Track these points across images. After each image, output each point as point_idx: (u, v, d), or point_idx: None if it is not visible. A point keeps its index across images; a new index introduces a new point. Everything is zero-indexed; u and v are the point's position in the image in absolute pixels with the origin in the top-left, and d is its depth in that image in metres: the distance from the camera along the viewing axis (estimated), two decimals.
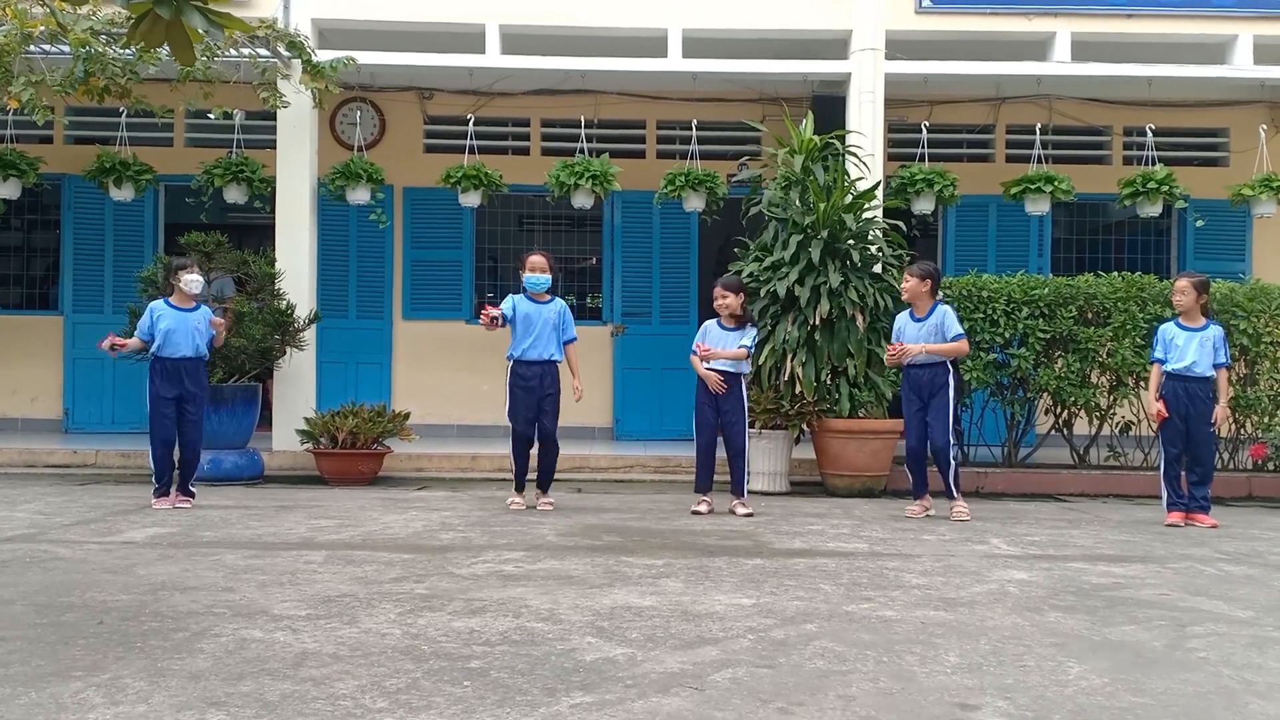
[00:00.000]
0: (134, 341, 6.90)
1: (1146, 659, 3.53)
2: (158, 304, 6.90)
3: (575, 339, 7.09)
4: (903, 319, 7.05)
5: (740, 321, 6.95)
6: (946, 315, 6.92)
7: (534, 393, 6.85)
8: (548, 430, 6.91)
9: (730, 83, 10.07)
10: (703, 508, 6.82)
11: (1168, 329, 6.84)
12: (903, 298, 7.05)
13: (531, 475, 7.07)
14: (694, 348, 6.99)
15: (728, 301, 6.91)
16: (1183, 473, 6.77)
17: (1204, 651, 3.64)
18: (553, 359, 6.91)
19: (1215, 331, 6.77)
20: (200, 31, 2.59)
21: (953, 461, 6.88)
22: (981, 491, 8.13)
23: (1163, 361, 6.83)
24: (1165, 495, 6.78)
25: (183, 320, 6.82)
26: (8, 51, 7.49)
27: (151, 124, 9.34)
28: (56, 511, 6.49)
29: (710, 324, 7.01)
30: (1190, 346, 6.67)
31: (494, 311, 6.82)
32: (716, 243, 10.93)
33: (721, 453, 6.98)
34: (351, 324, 10.66)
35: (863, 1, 9.04)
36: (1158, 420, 6.84)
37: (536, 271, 6.92)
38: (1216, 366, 6.75)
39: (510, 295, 7.07)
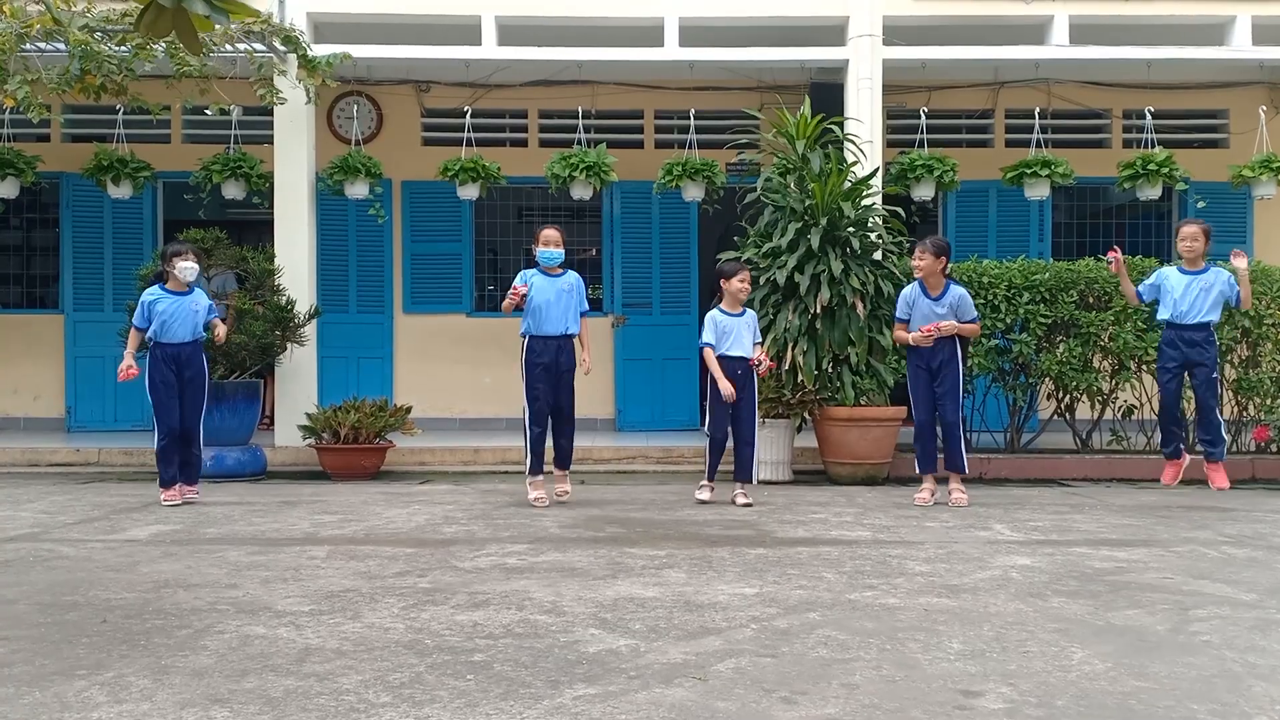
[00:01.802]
0: (133, 343, 6.81)
1: (1150, 643, 3.54)
2: (151, 290, 6.84)
3: (587, 310, 6.97)
4: (914, 293, 6.91)
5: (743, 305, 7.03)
6: (964, 299, 6.88)
7: (551, 369, 6.71)
8: (565, 410, 6.81)
9: (728, 71, 10.04)
10: (705, 494, 6.85)
11: (1167, 272, 6.78)
12: (915, 275, 6.92)
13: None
14: (707, 341, 6.85)
15: (748, 286, 7.00)
16: (1188, 423, 6.70)
17: (1207, 635, 3.64)
18: (569, 333, 6.78)
19: (1217, 274, 6.65)
20: (205, 18, 2.58)
21: (963, 437, 6.91)
22: (984, 477, 8.13)
23: (1140, 295, 6.82)
24: (1162, 442, 6.70)
25: (179, 304, 6.78)
26: (3, 50, 7.47)
27: (148, 121, 9.31)
28: (60, 510, 6.50)
29: (715, 314, 6.93)
30: (1190, 293, 6.59)
31: (522, 290, 6.66)
32: (716, 232, 10.92)
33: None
34: (352, 319, 10.66)
35: None
36: (1113, 263, 6.85)
37: (550, 245, 6.80)
38: (1235, 305, 6.71)
39: (522, 271, 6.95)
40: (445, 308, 10.78)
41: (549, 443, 6.88)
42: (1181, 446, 6.71)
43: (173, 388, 6.76)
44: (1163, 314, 6.73)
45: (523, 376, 6.78)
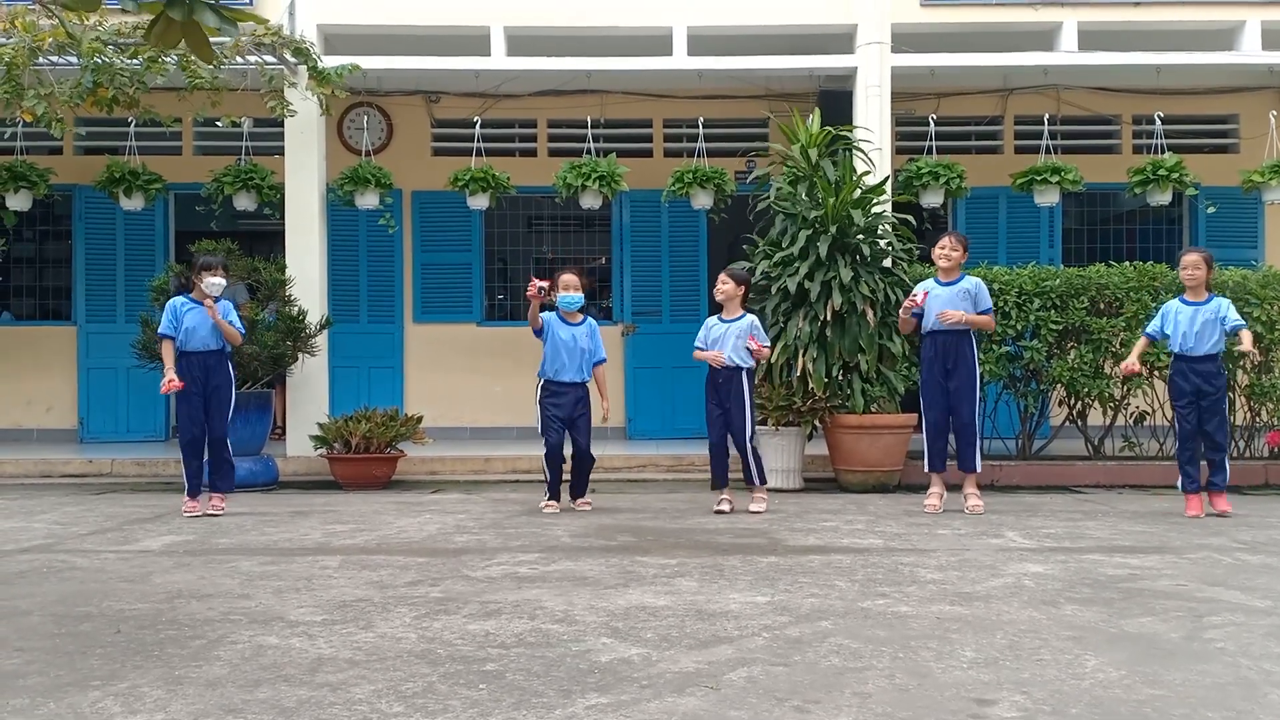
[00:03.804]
0: (169, 356, 6.77)
1: (1164, 651, 3.52)
2: (178, 299, 6.91)
3: (604, 360, 7.16)
4: (929, 283, 7.03)
5: (739, 310, 7.03)
6: (981, 287, 6.96)
7: (565, 412, 6.91)
8: (582, 446, 6.97)
9: (736, 79, 10.05)
10: (725, 506, 6.83)
11: (1171, 305, 6.75)
12: (940, 263, 6.97)
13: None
14: (695, 345, 7.06)
15: (726, 289, 6.99)
16: (1199, 457, 6.70)
17: (1222, 642, 3.62)
18: (584, 381, 7.00)
19: (1219, 303, 6.64)
20: (215, 28, 2.60)
21: (978, 436, 6.92)
22: (996, 484, 8.11)
23: (1153, 337, 6.83)
24: (1180, 480, 6.72)
25: (203, 313, 6.81)
26: (16, 64, 7.52)
27: (160, 133, 9.37)
28: (73, 521, 6.53)
29: (710, 319, 7.09)
30: (1195, 324, 6.57)
31: (541, 283, 6.72)
32: (726, 240, 10.93)
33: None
34: (363, 329, 10.69)
35: None
36: (1125, 372, 6.91)
37: (570, 290, 6.95)
38: (1236, 330, 6.62)
39: (543, 315, 7.06)
40: (455, 317, 10.81)
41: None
42: (1200, 484, 6.69)
43: (196, 396, 6.79)
44: (1172, 346, 6.73)
45: (538, 418, 6.97)
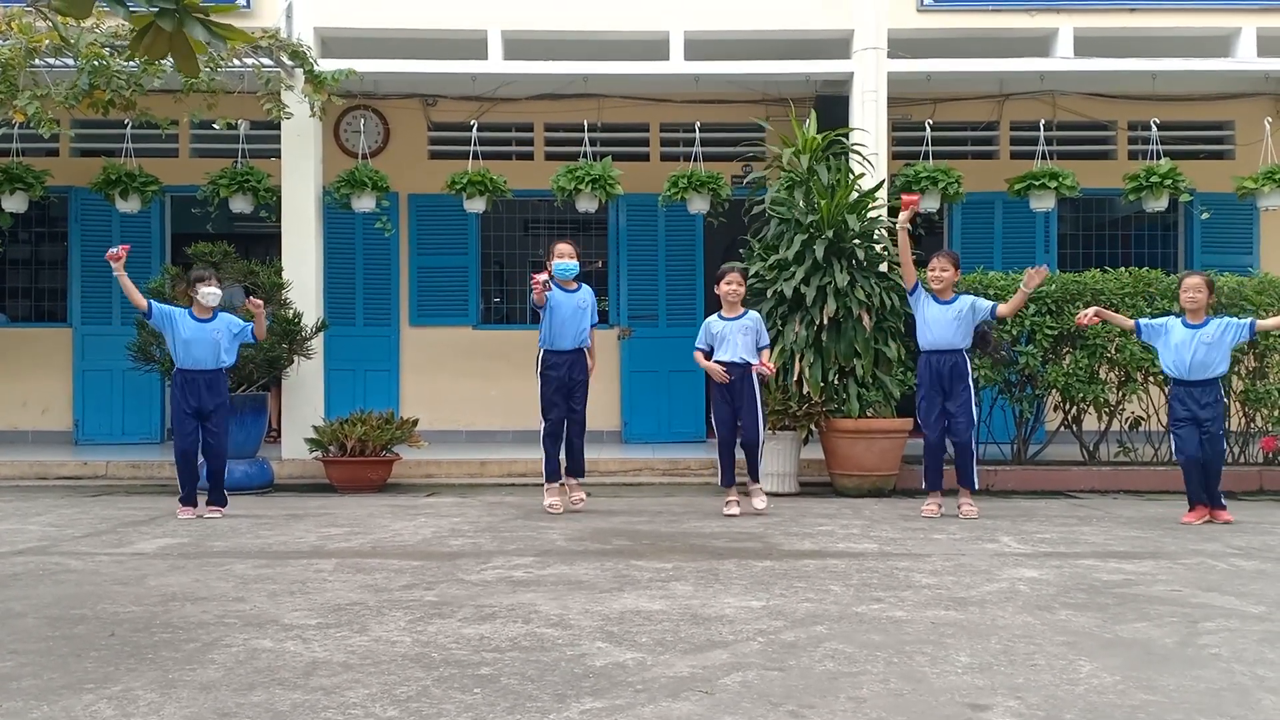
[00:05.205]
0: (137, 295, 6.72)
1: (1158, 656, 3.52)
2: (181, 311, 6.95)
3: (597, 323, 7.21)
4: (927, 301, 7.01)
5: (741, 309, 7.06)
6: (978, 301, 7.03)
7: (565, 380, 6.95)
8: (577, 413, 7.03)
9: (733, 84, 10.07)
10: (734, 510, 6.83)
11: (1172, 325, 6.68)
12: (933, 285, 7.00)
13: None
14: (696, 346, 7.10)
15: (742, 290, 7.04)
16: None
17: (1216, 648, 3.63)
18: (580, 348, 7.02)
19: (1220, 327, 6.63)
20: (202, 42, 2.61)
21: (975, 456, 6.97)
22: (992, 489, 8.11)
23: (1139, 329, 6.83)
24: (1190, 497, 6.66)
25: (202, 331, 6.86)
26: (12, 65, 7.51)
27: (156, 135, 9.36)
28: (68, 523, 6.52)
29: (711, 319, 7.11)
30: (1193, 348, 6.52)
31: (542, 276, 6.77)
32: (723, 244, 10.94)
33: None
34: (358, 332, 10.68)
35: (864, 0, 9.03)
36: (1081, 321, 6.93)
37: (565, 258, 6.98)
38: (1253, 334, 6.71)
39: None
40: (451, 320, 10.80)
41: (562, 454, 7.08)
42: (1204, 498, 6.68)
43: (192, 414, 6.84)
44: (1167, 368, 6.69)
45: (538, 387, 6.99)
